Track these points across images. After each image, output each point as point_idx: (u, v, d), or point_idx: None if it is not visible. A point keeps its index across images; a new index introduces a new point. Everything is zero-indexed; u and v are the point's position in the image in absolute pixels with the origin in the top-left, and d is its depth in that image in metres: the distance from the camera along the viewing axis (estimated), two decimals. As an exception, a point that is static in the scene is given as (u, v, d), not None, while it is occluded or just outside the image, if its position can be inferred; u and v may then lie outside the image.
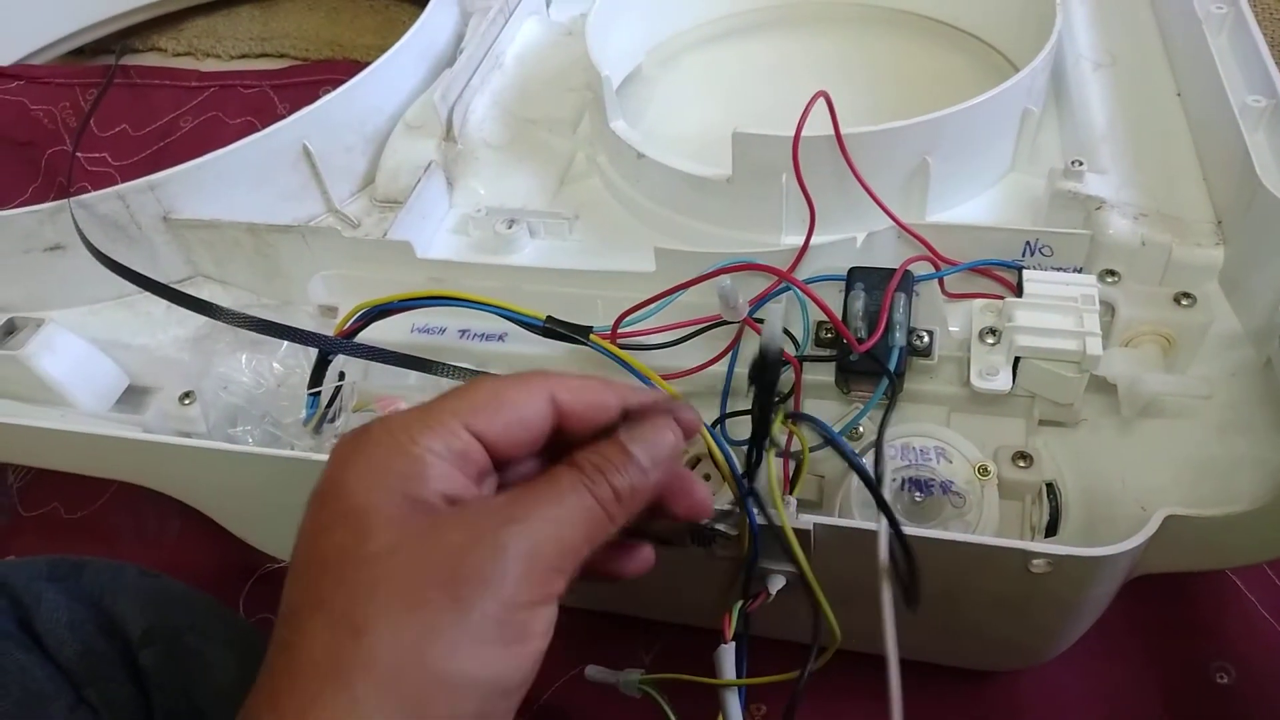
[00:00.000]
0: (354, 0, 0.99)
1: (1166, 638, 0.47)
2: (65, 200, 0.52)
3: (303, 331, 0.41)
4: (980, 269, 0.44)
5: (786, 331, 0.42)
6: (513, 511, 0.25)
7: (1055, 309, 0.40)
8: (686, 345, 0.43)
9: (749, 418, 0.41)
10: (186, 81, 0.89)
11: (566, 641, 0.27)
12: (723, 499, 0.35)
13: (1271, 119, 0.48)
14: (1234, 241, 0.46)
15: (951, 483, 0.38)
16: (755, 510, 0.33)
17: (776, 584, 0.36)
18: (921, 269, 0.43)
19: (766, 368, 0.31)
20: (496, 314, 0.43)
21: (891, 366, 0.39)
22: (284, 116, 0.57)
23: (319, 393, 0.44)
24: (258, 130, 0.56)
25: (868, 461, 0.32)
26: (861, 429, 0.42)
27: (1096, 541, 0.34)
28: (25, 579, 0.37)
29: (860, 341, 0.40)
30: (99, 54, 0.99)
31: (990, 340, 0.41)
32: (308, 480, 0.44)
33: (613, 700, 0.40)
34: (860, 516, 0.37)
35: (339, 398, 0.44)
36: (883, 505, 0.30)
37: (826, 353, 0.42)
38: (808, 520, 0.35)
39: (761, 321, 0.42)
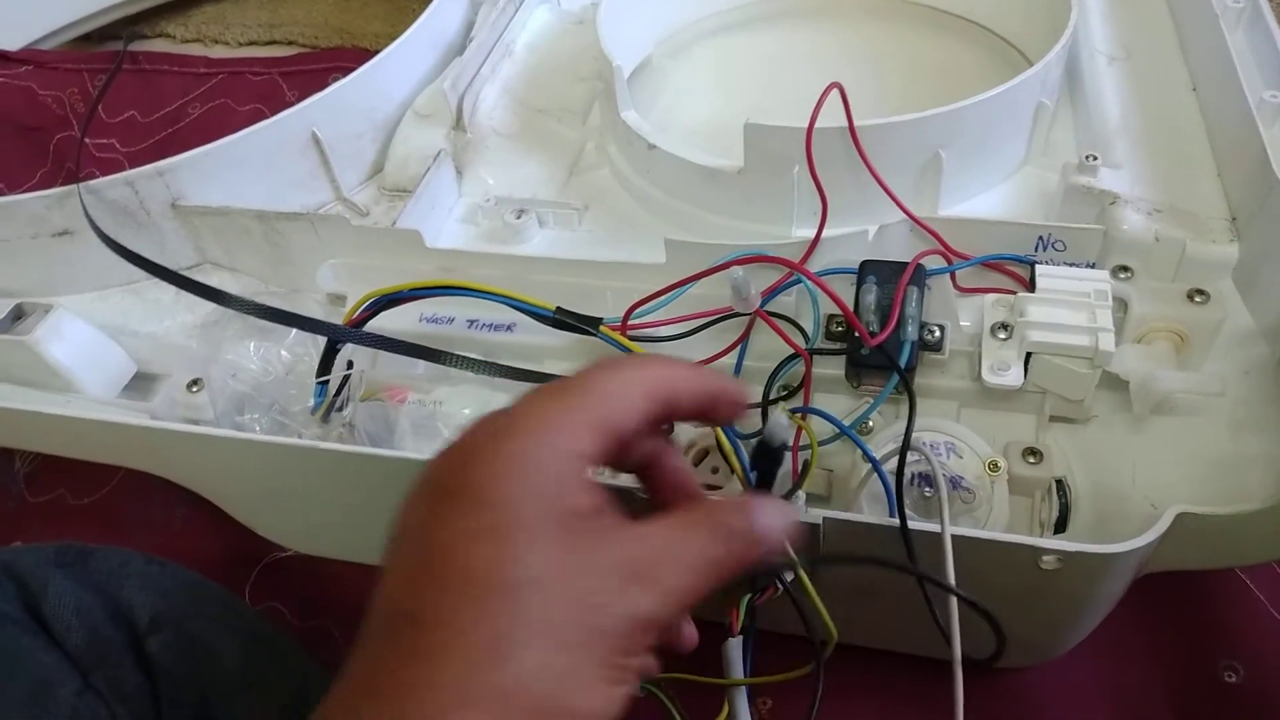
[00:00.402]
0: (362, -12, 0.98)
1: (1175, 636, 0.47)
2: (74, 186, 0.52)
3: (311, 320, 0.41)
4: (993, 263, 0.44)
5: (798, 325, 0.42)
6: (654, 565, 0.24)
7: (1068, 304, 0.40)
8: (697, 337, 0.42)
9: (757, 411, 0.41)
10: (195, 68, 0.89)
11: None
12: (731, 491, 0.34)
13: (1288, 115, 0.47)
14: (1249, 238, 0.45)
15: (961, 478, 0.38)
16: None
17: (786, 577, 0.36)
18: (934, 263, 0.42)
19: (767, 457, 0.30)
20: (506, 304, 0.43)
21: (903, 361, 0.39)
22: (293, 104, 0.56)
23: (327, 381, 0.43)
24: (266, 117, 0.56)
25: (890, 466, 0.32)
26: (870, 423, 0.42)
27: (1106, 538, 0.34)
28: (32, 565, 0.37)
29: (872, 335, 0.39)
30: (107, 40, 0.99)
31: (1002, 335, 0.41)
32: (315, 468, 0.43)
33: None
34: (870, 511, 0.37)
35: (347, 386, 0.44)
36: (900, 507, 0.30)
37: (837, 346, 0.42)
38: (817, 515, 0.35)
39: (775, 315, 0.41)
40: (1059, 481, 0.40)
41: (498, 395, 0.43)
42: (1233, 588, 0.48)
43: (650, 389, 0.26)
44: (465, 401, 0.43)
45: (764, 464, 0.30)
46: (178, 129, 0.83)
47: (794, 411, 0.39)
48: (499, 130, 0.61)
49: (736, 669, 0.33)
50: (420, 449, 0.41)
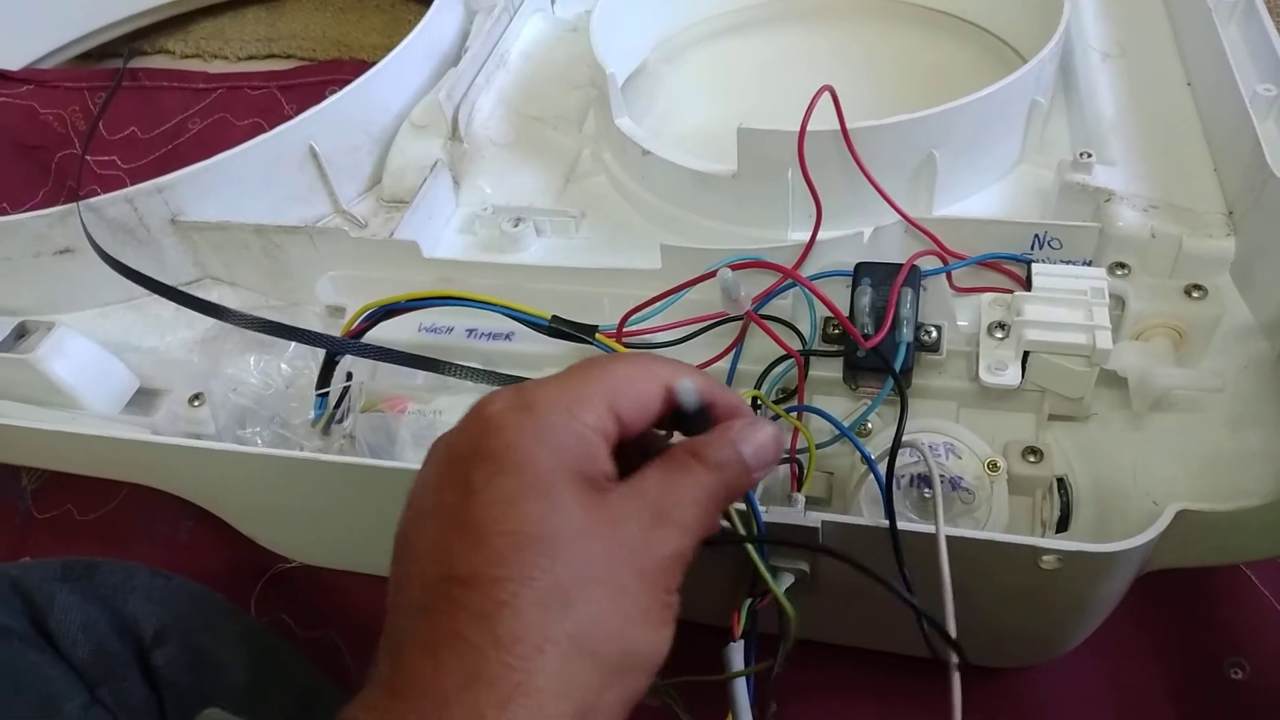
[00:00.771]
0: (360, 0, 0.99)
1: (1179, 633, 0.47)
2: (74, 204, 0.52)
3: (310, 332, 0.42)
4: (988, 263, 0.44)
5: (795, 328, 0.42)
6: (667, 508, 0.26)
7: (1064, 303, 0.40)
8: (693, 342, 0.42)
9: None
10: (194, 83, 0.90)
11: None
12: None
13: (1283, 108, 0.47)
14: (1245, 232, 0.45)
15: (961, 478, 0.38)
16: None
17: (786, 581, 0.36)
18: (929, 263, 0.42)
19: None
20: (503, 313, 0.43)
21: (898, 362, 0.39)
22: (291, 117, 0.57)
23: (327, 393, 0.44)
24: (265, 131, 0.56)
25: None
26: (870, 425, 0.42)
27: (1108, 537, 0.34)
28: (39, 580, 0.38)
29: (867, 337, 0.39)
30: (107, 57, 1.00)
31: (999, 335, 0.41)
32: (317, 480, 0.44)
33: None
34: (869, 514, 0.37)
35: (347, 398, 0.44)
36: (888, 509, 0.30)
37: (833, 348, 0.42)
38: (816, 517, 0.35)
39: (771, 318, 0.42)
40: (1060, 480, 0.40)
41: (497, 404, 0.43)
42: (1237, 584, 0.48)
43: (659, 380, 0.28)
44: (465, 411, 0.43)
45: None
46: (178, 144, 0.84)
47: (789, 411, 0.39)
48: (495, 139, 0.61)
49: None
50: (421, 460, 0.41)
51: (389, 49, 0.62)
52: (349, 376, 0.44)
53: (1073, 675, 0.46)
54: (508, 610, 0.23)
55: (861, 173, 0.47)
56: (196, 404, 0.47)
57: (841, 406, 0.43)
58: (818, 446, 0.38)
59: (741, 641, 0.34)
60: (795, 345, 0.41)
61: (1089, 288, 0.40)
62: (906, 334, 0.40)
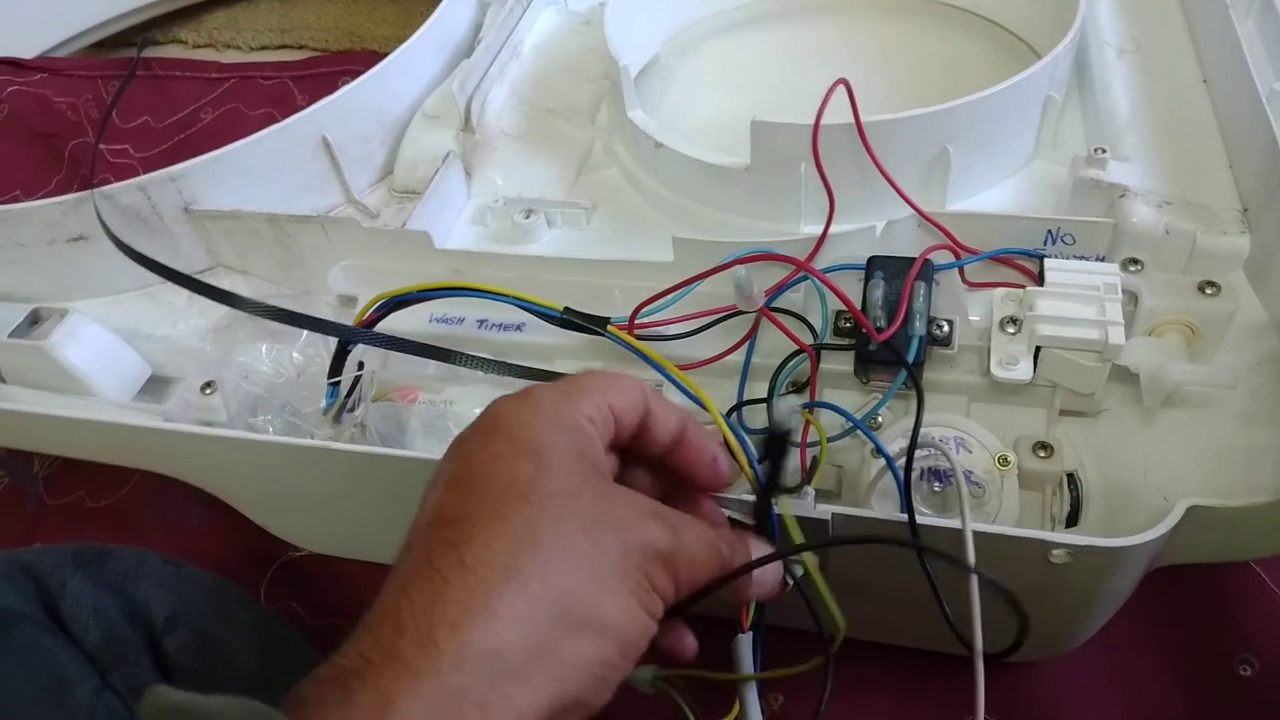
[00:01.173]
0: (372, -9, 0.99)
1: (1189, 629, 0.47)
2: (88, 192, 0.52)
3: (322, 321, 0.42)
4: (1001, 258, 0.43)
5: (807, 321, 0.42)
6: (663, 512, 0.28)
7: (1077, 298, 0.39)
8: (703, 335, 0.43)
9: (764, 406, 0.42)
10: (207, 73, 0.90)
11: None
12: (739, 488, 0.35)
13: (1300, 105, 0.47)
14: (1260, 229, 0.45)
15: (971, 473, 0.38)
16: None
17: (795, 572, 0.36)
18: (942, 258, 0.42)
19: (776, 446, 0.32)
20: (514, 304, 0.43)
21: (911, 356, 0.39)
22: (303, 107, 0.57)
23: (338, 382, 0.44)
24: (277, 121, 0.56)
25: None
26: (879, 419, 0.41)
27: (1118, 532, 0.34)
28: (51, 566, 0.38)
29: (879, 331, 0.39)
30: (120, 47, 1.00)
31: (1011, 329, 0.41)
32: (328, 468, 0.44)
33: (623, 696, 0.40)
34: (880, 507, 0.37)
35: (358, 387, 0.44)
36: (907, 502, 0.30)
37: (845, 342, 0.42)
38: (826, 510, 0.35)
39: (783, 311, 0.42)
40: (1070, 475, 0.40)
41: (508, 395, 0.43)
42: (1247, 580, 0.48)
43: (640, 387, 0.31)
44: (476, 401, 0.43)
45: (773, 453, 0.31)
46: (190, 134, 0.84)
47: (803, 406, 0.39)
48: (507, 131, 0.61)
49: (746, 665, 0.33)
50: (432, 449, 0.41)
51: (400, 40, 0.62)
52: (361, 365, 0.44)
53: (1082, 670, 0.46)
54: (478, 541, 0.25)
55: (875, 167, 0.47)
56: (208, 392, 0.47)
57: (852, 400, 0.43)
58: (829, 440, 0.38)
59: (750, 634, 0.34)
60: (807, 338, 0.41)
61: (1102, 283, 0.40)
62: (919, 328, 0.40)
